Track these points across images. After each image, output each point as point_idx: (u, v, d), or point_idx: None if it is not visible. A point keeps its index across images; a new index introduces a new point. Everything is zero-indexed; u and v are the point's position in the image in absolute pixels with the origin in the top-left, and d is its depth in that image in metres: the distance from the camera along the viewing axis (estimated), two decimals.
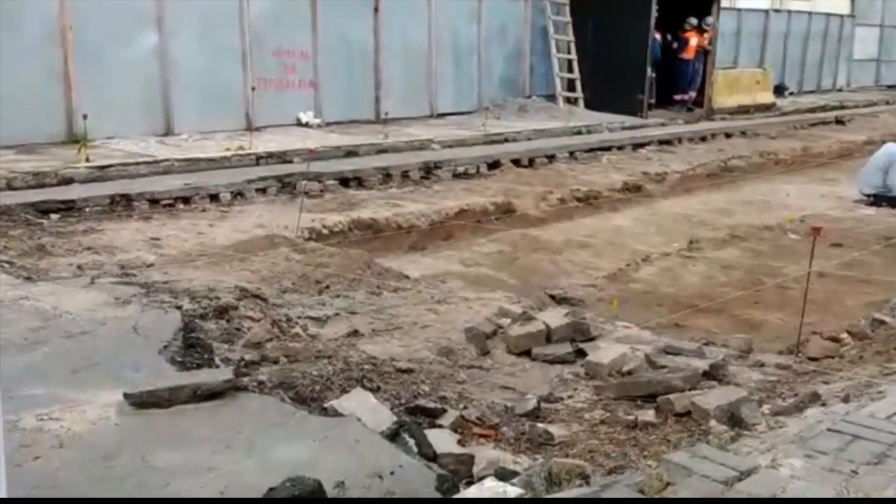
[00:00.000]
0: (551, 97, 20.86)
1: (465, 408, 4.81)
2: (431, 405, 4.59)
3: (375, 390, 4.61)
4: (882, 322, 6.65)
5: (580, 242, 11.26)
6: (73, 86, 12.64)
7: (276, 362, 4.65)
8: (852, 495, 3.03)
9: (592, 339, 6.29)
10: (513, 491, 2.95)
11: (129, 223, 8.89)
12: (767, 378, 5.53)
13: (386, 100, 17.37)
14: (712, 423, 4.62)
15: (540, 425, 4.62)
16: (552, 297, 7.81)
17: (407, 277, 8.01)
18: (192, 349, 4.64)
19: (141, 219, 9.16)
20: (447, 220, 10.89)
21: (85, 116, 11.54)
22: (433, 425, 4.48)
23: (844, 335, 6.54)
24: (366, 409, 4.06)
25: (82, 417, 3.71)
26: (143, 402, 3.79)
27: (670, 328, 7.16)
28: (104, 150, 12.13)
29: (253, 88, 12.69)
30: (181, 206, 9.79)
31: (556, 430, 4.68)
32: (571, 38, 20.52)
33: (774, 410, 4.80)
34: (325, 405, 4.07)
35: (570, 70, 20.76)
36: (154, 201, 9.68)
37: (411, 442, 3.94)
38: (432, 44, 17.99)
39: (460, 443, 4.43)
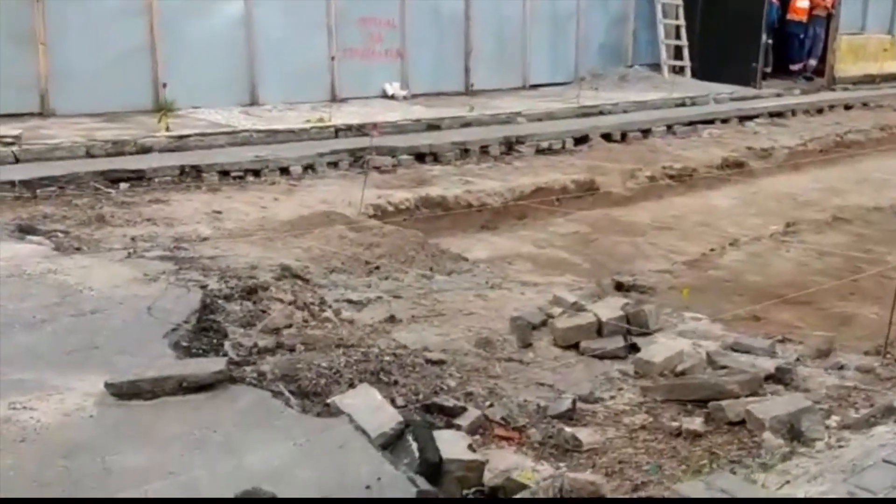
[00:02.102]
0: (655, 66, 19.91)
1: (492, 406, 4.43)
2: (451, 403, 4.23)
3: (392, 384, 4.29)
4: None
5: (667, 224, 10.60)
6: (158, 55, 12.77)
7: (292, 350, 4.40)
8: None
9: (652, 332, 5.79)
10: None
11: (196, 195, 8.85)
12: (844, 383, 4.91)
13: (476, 70, 16.91)
14: (766, 435, 4.09)
15: (568, 430, 4.20)
16: (620, 284, 7.28)
17: (465, 259, 7.66)
18: (203, 333, 4.44)
19: (209, 191, 9.12)
20: (521, 199, 10.43)
21: (164, 85, 11.64)
22: (450, 425, 4.14)
23: None
24: (370, 406, 3.75)
25: (58, 407, 3.55)
26: (123, 392, 3.60)
27: (747, 321, 6.54)
28: (187, 119, 12.23)
29: (332, 58, 12.49)
30: (251, 178, 9.71)
31: (588, 436, 4.24)
32: (679, 1, 19.46)
33: (843, 423, 4.23)
34: (328, 401, 3.79)
35: (678, 37, 19.72)
36: (224, 173, 9.63)
37: (414, 446, 3.61)
38: (527, 10, 17.37)
39: (477, 446, 4.07)
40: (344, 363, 4.17)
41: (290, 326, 4.60)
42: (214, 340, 4.35)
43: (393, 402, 4.09)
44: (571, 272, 8.61)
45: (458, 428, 4.11)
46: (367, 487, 2.92)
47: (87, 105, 12.09)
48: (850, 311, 6.87)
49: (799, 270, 8.07)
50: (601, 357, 5.34)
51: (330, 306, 5.39)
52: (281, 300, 5.07)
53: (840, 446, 3.77)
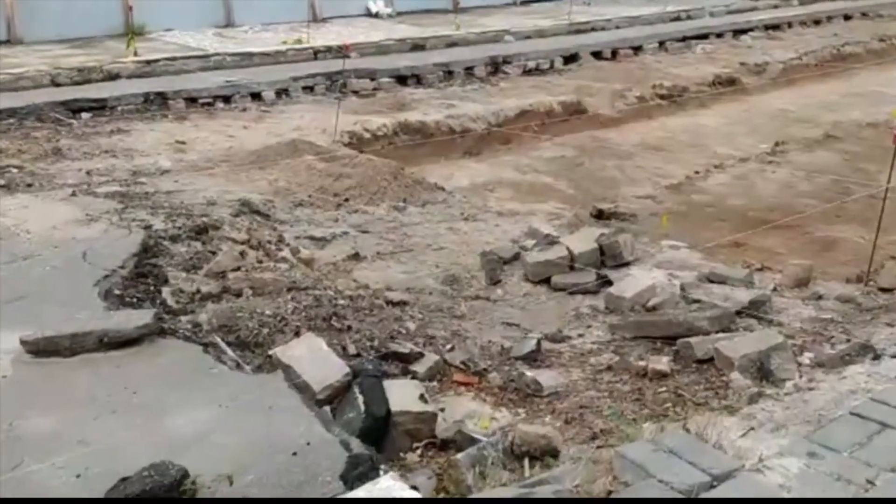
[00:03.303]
0: None
1: (452, 349, 4.24)
2: (407, 349, 4.02)
3: (345, 330, 4.08)
4: None
5: (655, 145, 10.27)
6: None
7: (238, 295, 4.17)
8: None
9: (626, 264, 5.56)
10: (408, 493, 2.39)
11: (160, 124, 8.51)
12: (821, 316, 4.71)
13: None
14: (734, 375, 3.91)
15: (530, 373, 4.01)
16: (600, 211, 7.03)
17: (442, 189, 7.38)
18: (140, 279, 4.19)
19: (176, 119, 8.78)
20: (505, 123, 10.07)
21: (131, 8, 11.16)
22: (406, 372, 3.94)
23: None
24: (315, 357, 3.54)
25: None
26: (40, 350, 3.38)
27: (728, 248, 6.31)
28: (158, 43, 11.79)
29: None
30: (220, 105, 9.34)
31: (551, 379, 4.05)
32: None
33: (816, 361, 4.04)
34: (270, 352, 3.57)
35: None
36: (192, 100, 9.25)
37: (360, 399, 3.41)
38: None
39: (434, 393, 3.89)
40: (291, 309, 3.95)
41: (237, 269, 4.35)
42: (152, 287, 4.10)
43: (344, 349, 3.89)
44: (554, 199, 8.34)
45: (415, 375, 3.93)
46: (294, 454, 2.72)
47: (55, 31, 11.65)
48: (835, 235, 6.64)
49: (784, 193, 7.80)
50: (573, 292, 5.13)
51: (288, 245, 5.14)
52: (234, 240, 4.81)
53: (810, 388, 3.58)
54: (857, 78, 13.92)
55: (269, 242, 5.02)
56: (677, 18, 16.65)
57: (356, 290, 4.67)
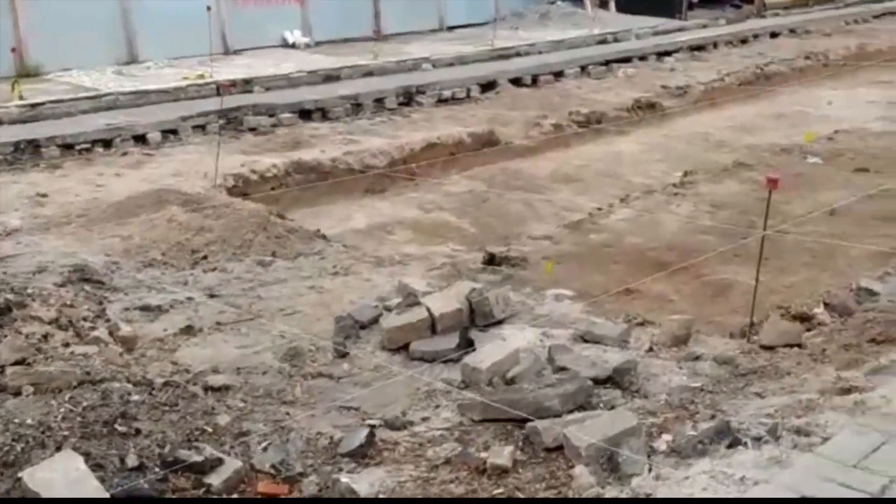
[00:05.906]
0: (580, 1, 19.06)
1: (266, 449, 3.72)
2: (202, 456, 3.49)
3: (132, 435, 3.55)
4: (870, 292, 5.25)
5: (568, 176, 9.91)
6: (19, 14, 11.64)
7: (17, 394, 3.63)
8: None
9: (499, 322, 5.12)
10: None
11: (27, 175, 7.94)
12: (691, 384, 4.29)
13: (387, 13, 15.92)
14: (578, 470, 3.47)
15: (345, 479, 3.51)
16: (492, 256, 6.59)
17: (323, 237, 6.89)
18: None
19: (48, 168, 8.20)
20: (410, 158, 9.63)
21: (13, 49, 10.56)
22: (199, 485, 3.42)
23: (819, 310, 5.18)
24: (69, 480, 3.02)
25: None
26: None
27: (616, 296, 5.90)
28: (52, 84, 11.19)
29: (209, 8, 11.35)
30: (100, 150, 8.76)
31: (375, 482, 3.57)
32: None
33: (672, 445, 3.61)
34: (21, 474, 3.04)
35: None
36: (67, 146, 8.66)
37: None
38: None
39: None
40: (63, 414, 3.42)
41: (19, 363, 3.82)
42: None
43: (122, 462, 3.36)
44: (454, 239, 7.91)
45: (209, 488, 3.41)
46: None
47: None
48: (730, 278, 6.26)
49: (685, 229, 7.42)
50: (431, 361, 4.67)
51: (108, 321, 4.61)
52: (40, 319, 4.28)
53: (647, 495, 3.13)
54: (780, 98, 13.75)
55: (85, 319, 4.48)
56: (603, 41, 16.43)
57: (170, 376, 4.16)
